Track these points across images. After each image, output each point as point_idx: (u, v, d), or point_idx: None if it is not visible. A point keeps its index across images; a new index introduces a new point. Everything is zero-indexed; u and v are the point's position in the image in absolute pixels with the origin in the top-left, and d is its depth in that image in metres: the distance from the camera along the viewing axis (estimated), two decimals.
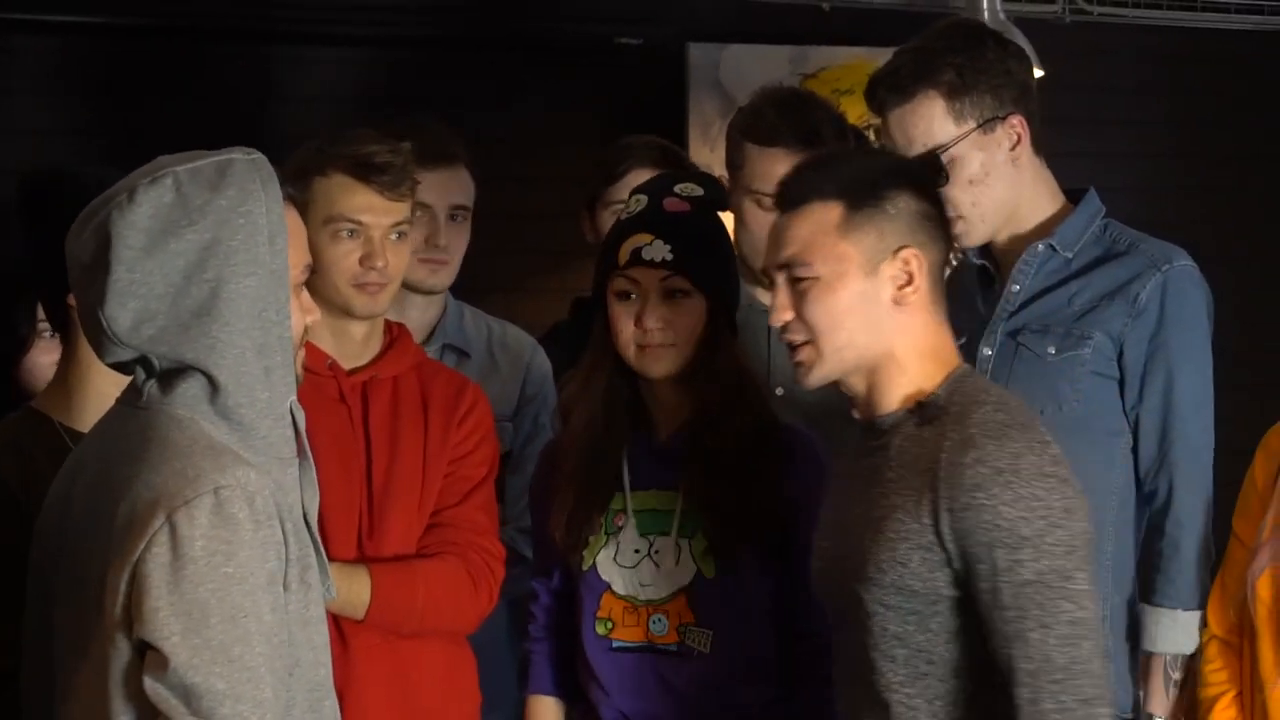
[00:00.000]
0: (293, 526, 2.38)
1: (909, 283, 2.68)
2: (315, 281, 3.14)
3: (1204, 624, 3.17)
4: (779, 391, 3.48)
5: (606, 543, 3.21)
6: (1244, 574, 3.07)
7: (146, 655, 2.26)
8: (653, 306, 3.14)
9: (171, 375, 2.37)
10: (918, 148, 3.20)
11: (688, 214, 3.19)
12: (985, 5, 5.08)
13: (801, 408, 3.33)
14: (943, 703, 2.63)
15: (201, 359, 2.35)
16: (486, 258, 4.04)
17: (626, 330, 3.15)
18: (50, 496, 2.53)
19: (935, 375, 2.71)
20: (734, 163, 3.73)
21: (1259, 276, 6.05)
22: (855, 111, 6.05)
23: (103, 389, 2.74)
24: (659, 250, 3.12)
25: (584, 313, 4.08)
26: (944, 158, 3.19)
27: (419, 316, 3.88)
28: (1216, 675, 3.14)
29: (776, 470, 3.14)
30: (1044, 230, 3.27)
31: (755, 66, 5.91)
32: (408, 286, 3.78)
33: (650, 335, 3.14)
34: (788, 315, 2.70)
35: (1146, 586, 3.22)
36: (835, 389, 2.78)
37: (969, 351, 3.30)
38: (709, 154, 5.70)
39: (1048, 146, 3.29)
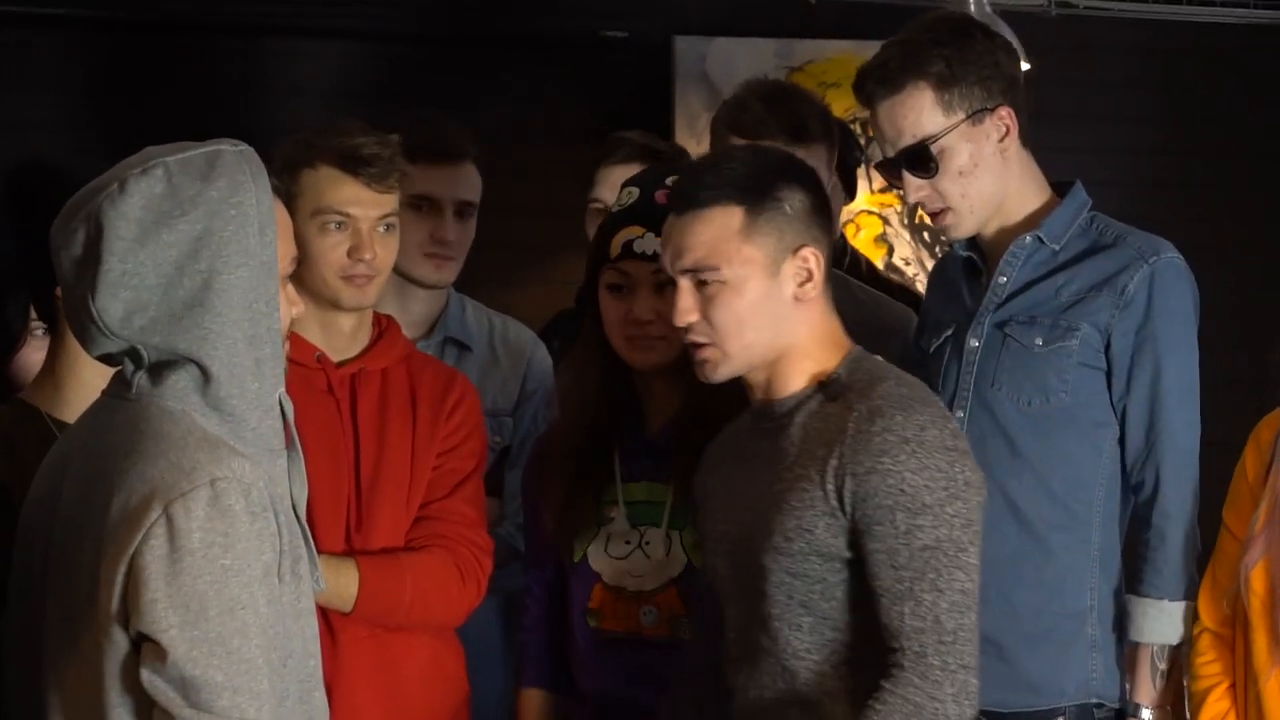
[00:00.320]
0: (284, 518, 2.38)
1: (809, 279, 2.79)
2: (303, 274, 3.15)
3: (1195, 616, 3.17)
4: None
5: (598, 534, 3.22)
6: (1235, 566, 3.07)
7: (143, 647, 2.26)
8: (644, 298, 3.14)
9: (161, 367, 2.37)
10: (907, 139, 3.21)
11: None
12: None
13: None
14: (849, 667, 2.73)
15: (194, 350, 2.34)
16: (474, 251, 4.04)
17: (618, 322, 3.15)
18: (35, 489, 2.52)
19: (834, 357, 2.82)
20: None
21: (1246, 270, 6.07)
22: (841, 104, 6.06)
23: (91, 381, 2.73)
24: (650, 243, 3.13)
25: (562, 328, 4.08)
26: (933, 149, 3.19)
27: (421, 310, 3.88)
28: (1209, 668, 3.15)
29: None
30: (1031, 222, 3.28)
31: (742, 60, 5.92)
32: (412, 281, 3.78)
33: (641, 327, 3.14)
34: (693, 317, 2.79)
35: (1133, 577, 3.22)
36: None
37: (955, 342, 3.31)
38: (695, 147, 5.68)
39: (1034, 140, 3.29)
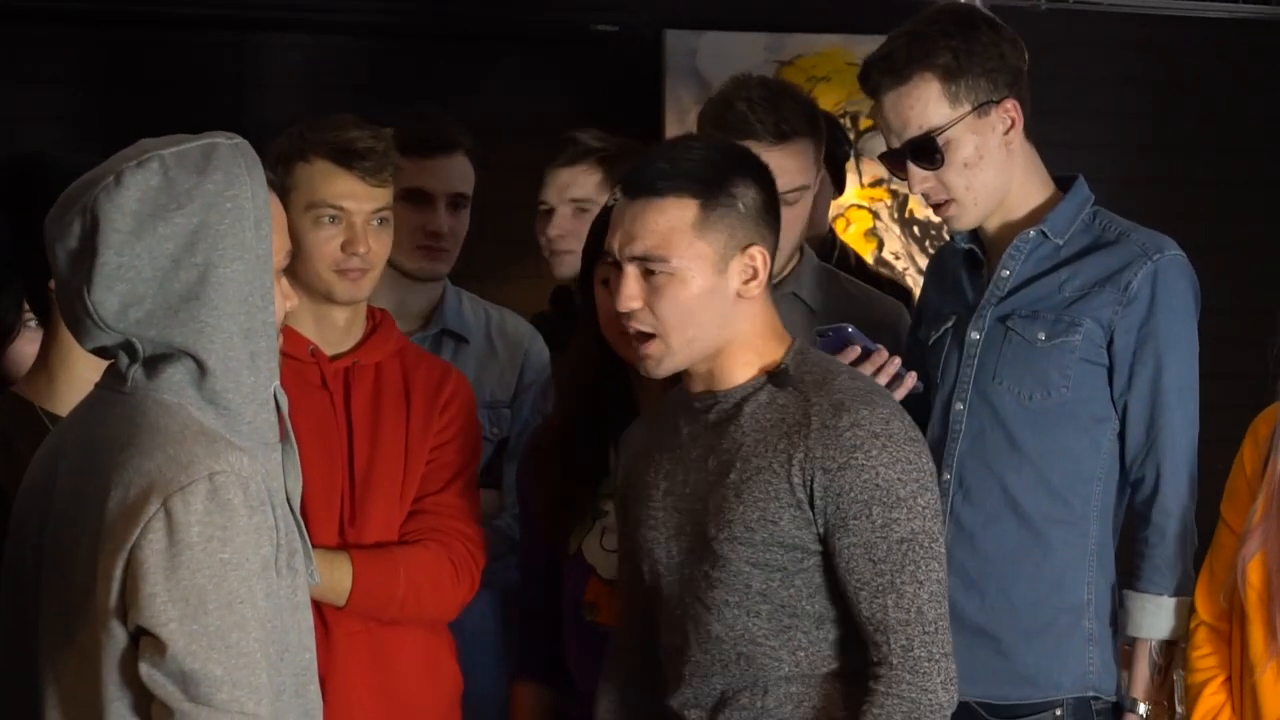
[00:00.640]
0: (280, 511, 2.38)
1: (753, 278, 2.80)
2: (297, 267, 3.15)
3: (1192, 610, 3.17)
4: None
5: (592, 528, 3.22)
6: (1232, 560, 3.08)
7: (142, 642, 2.25)
8: None
9: (156, 360, 2.36)
10: (912, 130, 3.21)
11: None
12: None
13: None
14: (805, 653, 2.76)
15: (190, 343, 2.34)
16: (464, 245, 4.04)
17: (612, 317, 3.15)
18: (28, 483, 2.51)
19: (777, 349, 2.84)
20: None
21: (1240, 265, 6.07)
22: (831, 99, 6.09)
23: (85, 374, 2.73)
24: None
25: (564, 302, 4.09)
26: (938, 140, 3.20)
27: (417, 303, 3.89)
28: (1205, 661, 3.15)
29: None
30: (1034, 216, 3.28)
31: (732, 54, 5.92)
32: (407, 274, 3.78)
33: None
34: (636, 304, 2.78)
35: (1131, 573, 3.23)
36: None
37: (955, 335, 3.31)
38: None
39: (1036, 134, 3.29)
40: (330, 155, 3.20)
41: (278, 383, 2.43)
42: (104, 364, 2.45)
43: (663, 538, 2.86)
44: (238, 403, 2.37)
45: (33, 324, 3.22)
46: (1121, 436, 3.23)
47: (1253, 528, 3.06)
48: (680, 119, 5.89)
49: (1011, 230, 3.28)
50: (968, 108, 3.20)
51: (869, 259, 6.09)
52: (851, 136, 6.14)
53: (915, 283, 6.20)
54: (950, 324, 3.34)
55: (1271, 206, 6.49)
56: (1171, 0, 6.11)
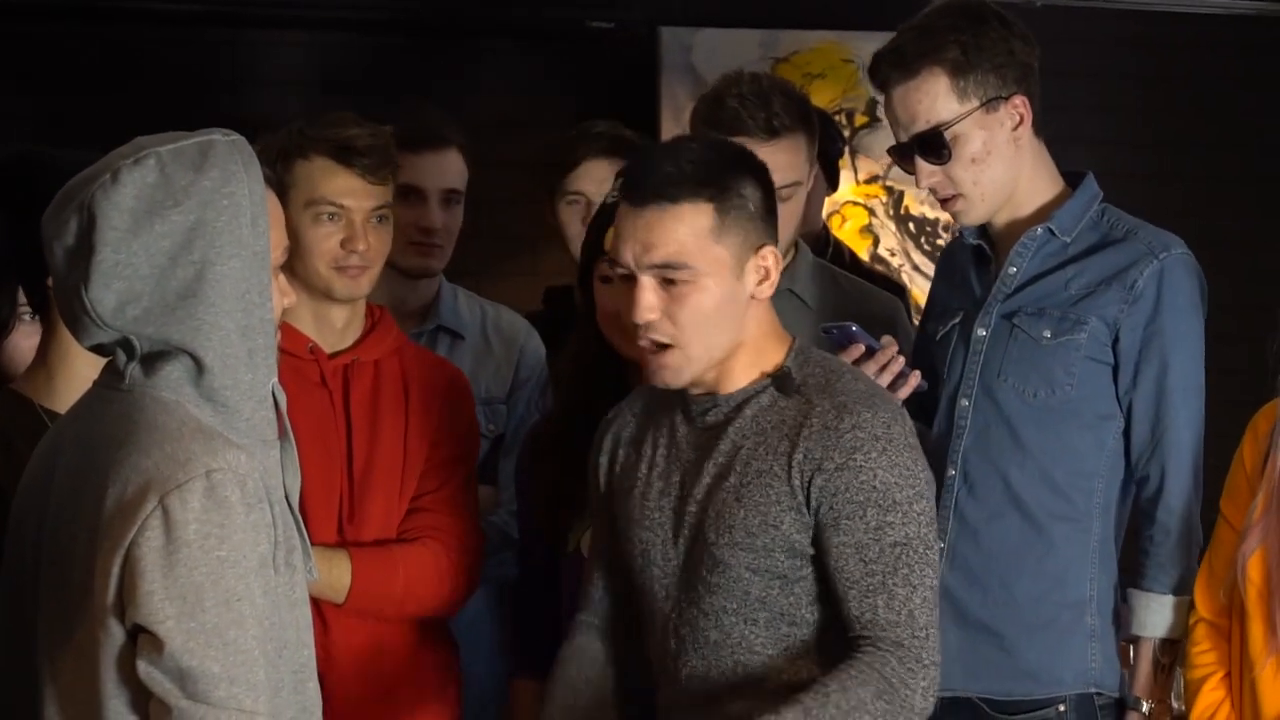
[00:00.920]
0: (278, 509, 2.38)
1: (766, 278, 2.77)
2: (296, 265, 3.15)
3: (1191, 606, 3.17)
4: None
5: (590, 525, 3.22)
6: (1232, 556, 3.07)
7: (140, 639, 2.25)
8: None
9: (154, 358, 2.36)
10: (920, 125, 3.20)
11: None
12: None
13: None
14: (805, 660, 2.73)
15: (187, 340, 2.34)
16: (458, 242, 4.05)
17: (611, 314, 3.16)
18: (26, 480, 2.51)
19: (778, 350, 2.81)
20: None
21: (1237, 261, 6.07)
22: (826, 95, 6.09)
23: (83, 372, 2.73)
24: None
25: (557, 301, 4.09)
26: (946, 135, 3.19)
27: (413, 299, 3.89)
28: (1204, 657, 3.15)
29: None
30: (1042, 213, 3.27)
31: (727, 50, 5.92)
32: (401, 270, 3.78)
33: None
34: (654, 315, 2.72)
35: (1135, 571, 3.23)
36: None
37: (962, 331, 3.31)
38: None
39: (1046, 130, 3.29)
40: (330, 152, 3.20)
41: (276, 380, 2.43)
42: (103, 361, 2.45)
43: (659, 540, 2.83)
44: (235, 400, 2.37)
45: (27, 317, 3.22)
46: (1127, 434, 3.22)
47: (1253, 524, 3.05)
48: (676, 115, 5.89)
49: (1019, 227, 3.27)
50: (976, 103, 3.19)
51: (864, 255, 6.09)
52: (846, 133, 6.15)
53: (910, 279, 6.21)
54: (957, 320, 3.33)
55: (1266, 202, 6.50)
56: None
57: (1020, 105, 3.22)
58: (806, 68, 6.13)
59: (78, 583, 2.31)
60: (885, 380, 3.11)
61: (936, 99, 3.19)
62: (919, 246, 6.25)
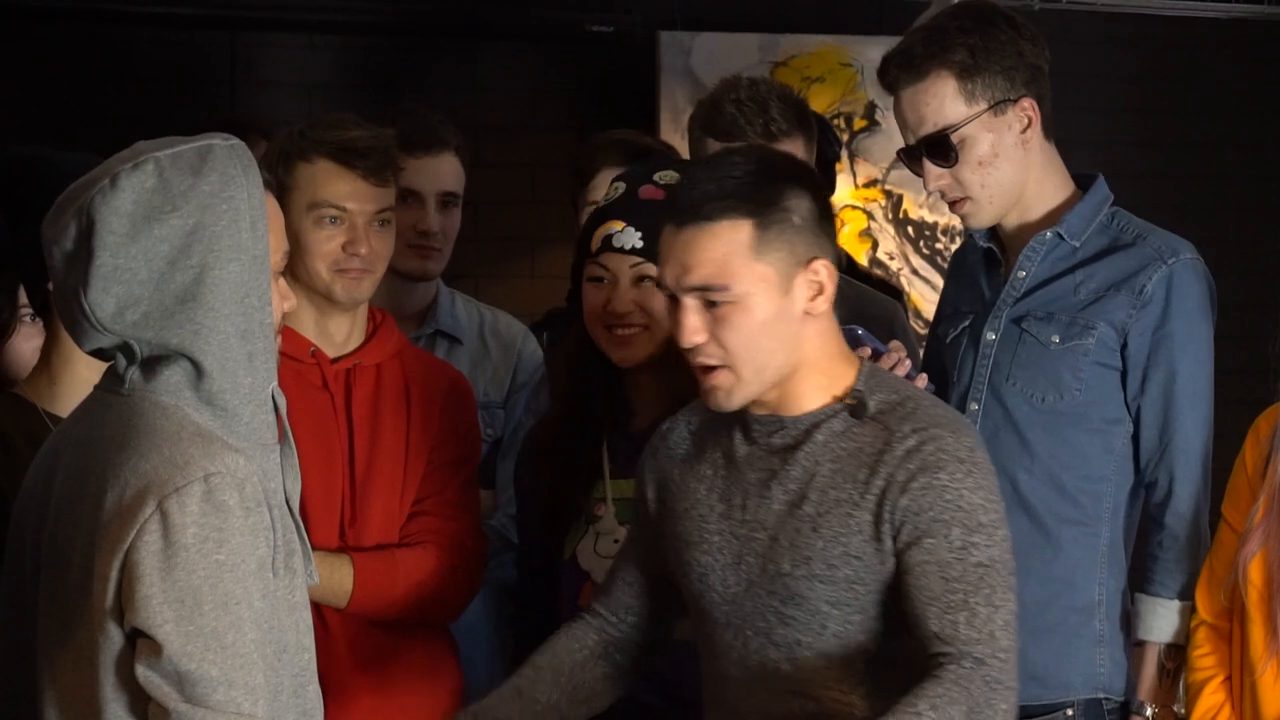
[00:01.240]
0: (278, 512, 2.38)
1: (820, 292, 2.64)
2: (297, 268, 3.15)
3: (1188, 609, 3.17)
4: None
5: (586, 532, 3.21)
6: (1233, 558, 3.06)
7: (138, 643, 2.25)
8: (621, 292, 3.15)
9: (154, 362, 2.36)
10: (928, 127, 3.19)
11: (662, 201, 3.19)
12: None
13: None
14: (871, 698, 2.60)
15: (186, 344, 2.34)
16: (457, 244, 4.05)
17: (597, 315, 3.17)
18: (27, 484, 2.51)
19: (847, 372, 2.69)
20: (697, 156, 3.74)
21: (1236, 263, 6.08)
22: (824, 99, 6.10)
23: (86, 375, 2.73)
24: (629, 237, 3.14)
25: (555, 323, 4.06)
26: (954, 138, 3.17)
27: (410, 303, 3.88)
28: (1204, 660, 3.14)
29: None
30: (1052, 216, 3.26)
31: (726, 54, 5.93)
32: (399, 274, 3.78)
33: (620, 319, 3.14)
34: (700, 338, 2.61)
35: (1143, 576, 3.22)
36: None
37: (972, 334, 3.30)
38: (680, 141, 5.68)
39: (1057, 132, 3.28)
40: (332, 154, 3.18)
41: (276, 383, 2.44)
42: (105, 365, 2.45)
43: (718, 565, 2.69)
44: (235, 404, 2.37)
45: (28, 319, 3.23)
46: (1135, 439, 3.21)
47: (1254, 527, 3.05)
48: (674, 119, 5.90)
49: (1029, 230, 3.26)
50: (983, 105, 3.17)
51: (863, 259, 6.10)
52: (845, 137, 6.16)
53: (909, 282, 6.22)
54: (967, 323, 3.33)
55: (1264, 203, 6.51)
56: (1164, 0, 6.12)
57: (1029, 108, 3.21)
58: (805, 72, 6.14)
59: (76, 586, 2.31)
60: None
61: (944, 101, 3.17)
62: (918, 250, 6.26)
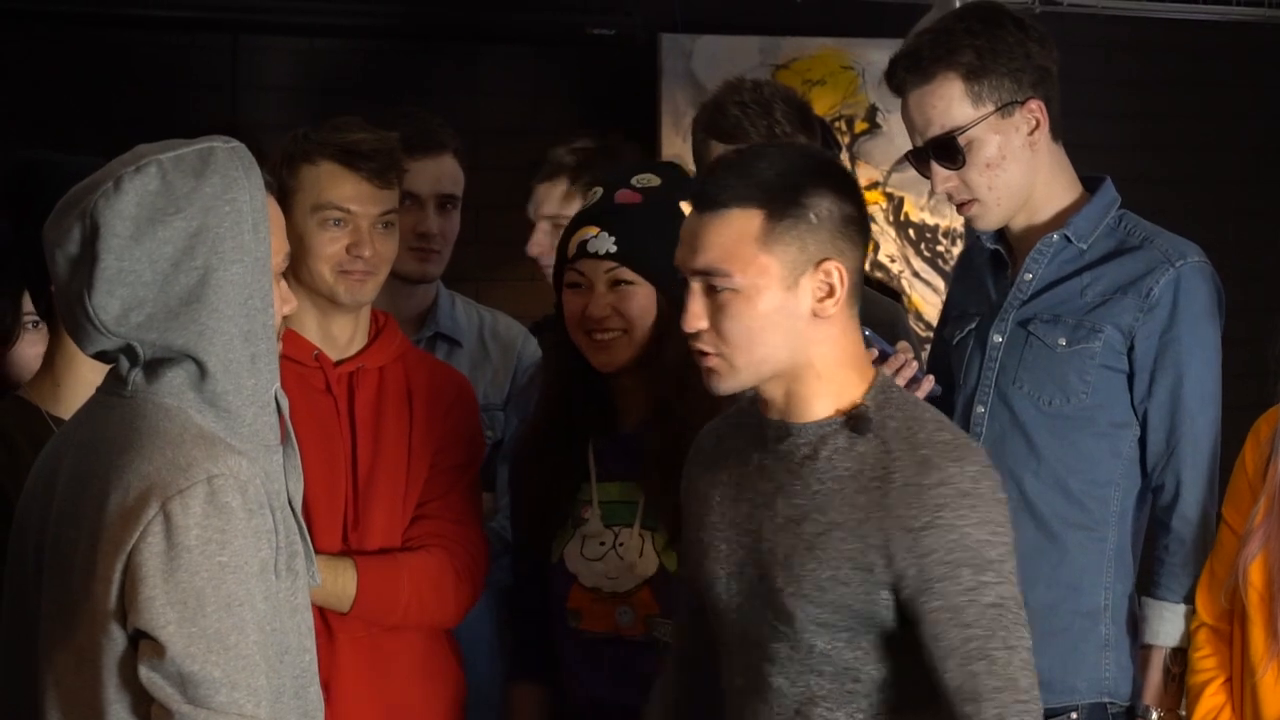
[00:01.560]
0: (280, 514, 2.38)
1: (829, 295, 2.59)
2: (300, 270, 3.16)
3: (1191, 611, 3.17)
4: None
5: (573, 535, 3.23)
6: (1234, 560, 3.07)
7: (141, 644, 2.26)
8: (598, 296, 3.17)
9: (157, 364, 2.37)
10: (935, 129, 3.19)
11: (638, 205, 3.21)
12: None
13: None
14: (865, 715, 2.61)
15: (191, 345, 2.35)
16: (458, 247, 4.05)
17: (576, 320, 3.18)
18: (29, 486, 2.52)
19: (858, 384, 2.64)
20: (700, 158, 3.75)
21: (1235, 265, 6.08)
22: (825, 102, 6.10)
23: (89, 378, 2.73)
24: (603, 242, 3.16)
25: (549, 329, 4.07)
26: (961, 140, 3.17)
27: (410, 306, 3.89)
28: (1205, 662, 3.15)
29: None
30: (1059, 218, 3.26)
31: (727, 57, 5.93)
32: (398, 277, 3.78)
33: (598, 324, 3.16)
34: (701, 324, 2.59)
35: (1150, 580, 3.22)
36: None
37: (978, 336, 3.30)
38: (681, 144, 5.71)
39: (1065, 134, 3.28)
40: (336, 157, 3.19)
41: (278, 385, 2.44)
42: (109, 368, 2.46)
43: (723, 573, 2.69)
44: (238, 405, 2.38)
45: (31, 324, 3.24)
46: (1142, 442, 3.21)
47: (1254, 529, 3.05)
48: (676, 122, 5.90)
49: (1036, 232, 3.26)
50: (991, 107, 3.17)
51: (864, 262, 6.10)
52: (846, 140, 6.16)
53: (910, 284, 6.22)
54: (973, 325, 3.32)
55: (1265, 206, 6.51)
56: (1164, 3, 6.12)
57: (1036, 109, 3.21)
58: (806, 74, 6.14)
59: (79, 587, 2.32)
60: (899, 384, 3.09)
61: (951, 103, 3.17)
62: (919, 253, 6.26)
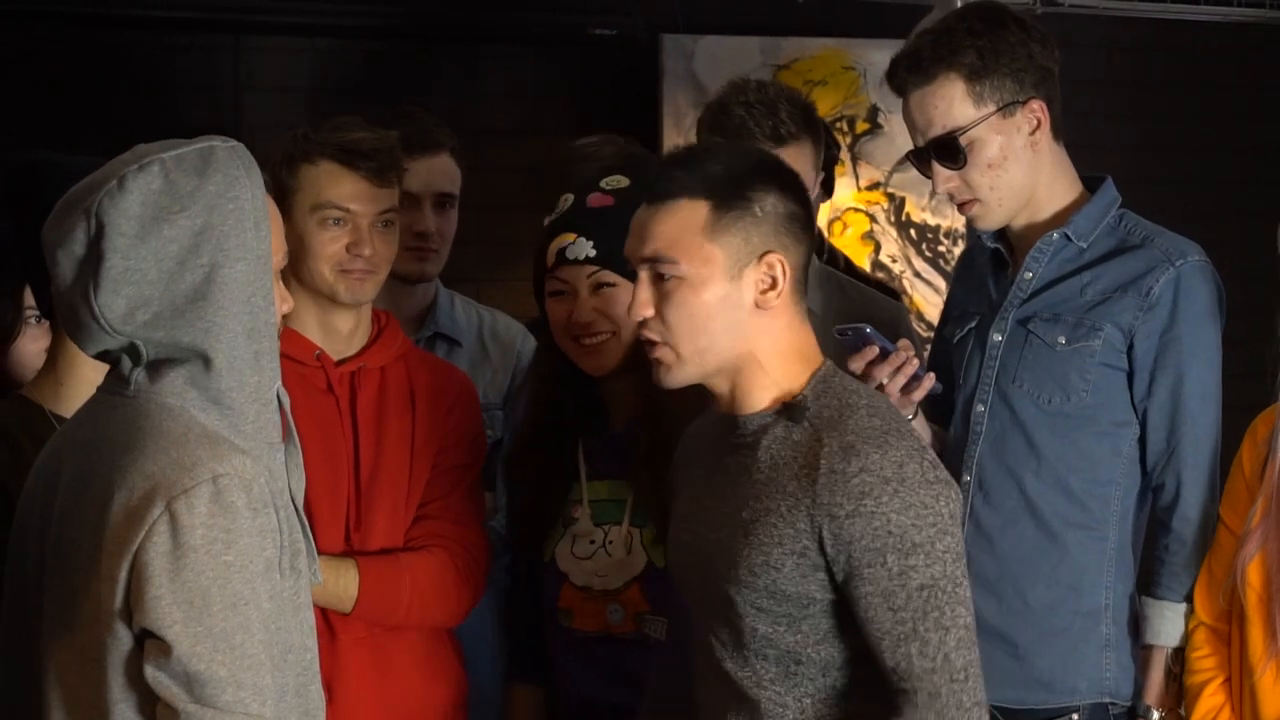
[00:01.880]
0: (284, 512, 2.39)
1: (772, 287, 2.65)
2: (301, 269, 3.16)
3: (1191, 611, 3.17)
4: None
5: (564, 535, 3.24)
6: (1232, 560, 3.07)
7: (147, 644, 2.26)
8: (582, 302, 3.18)
9: (159, 364, 2.37)
10: (936, 129, 3.19)
11: (610, 207, 3.21)
12: None
13: None
14: (811, 700, 2.64)
15: (198, 342, 2.35)
16: (459, 248, 4.05)
17: (562, 327, 3.19)
18: (30, 486, 2.52)
19: (800, 374, 2.69)
20: None
21: (1234, 266, 6.08)
22: (827, 102, 6.10)
23: (92, 377, 2.73)
24: (582, 248, 3.17)
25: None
26: (962, 140, 3.17)
27: (409, 306, 3.88)
28: (1204, 662, 3.15)
29: None
30: (1060, 218, 3.26)
31: (728, 58, 5.93)
32: (396, 276, 3.78)
33: (585, 329, 3.18)
34: (648, 311, 2.65)
35: (1150, 579, 3.22)
36: None
37: (978, 335, 3.31)
38: (682, 144, 5.71)
39: (1067, 134, 3.28)
40: (336, 156, 3.19)
41: (280, 382, 2.44)
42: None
43: (685, 563, 2.77)
44: (241, 402, 2.38)
45: (33, 322, 3.24)
46: (1143, 442, 3.21)
47: (1252, 529, 3.05)
48: (677, 122, 5.91)
49: (1037, 231, 3.26)
50: (992, 108, 3.17)
51: (865, 263, 6.10)
52: (847, 140, 6.16)
53: (911, 285, 6.22)
54: (974, 324, 3.33)
55: (1265, 207, 6.49)
56: (1165, 3, 6.12)
57: (1038, 109, 3.21)
58: (808, 75, 6.14)
59: (83, 587, 2.32)
60: (899, 383, 3.09)
61: (952, 104, 3.17)
62: (920, 253, 6.26)
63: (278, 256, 2.47)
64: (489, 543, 3.34)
